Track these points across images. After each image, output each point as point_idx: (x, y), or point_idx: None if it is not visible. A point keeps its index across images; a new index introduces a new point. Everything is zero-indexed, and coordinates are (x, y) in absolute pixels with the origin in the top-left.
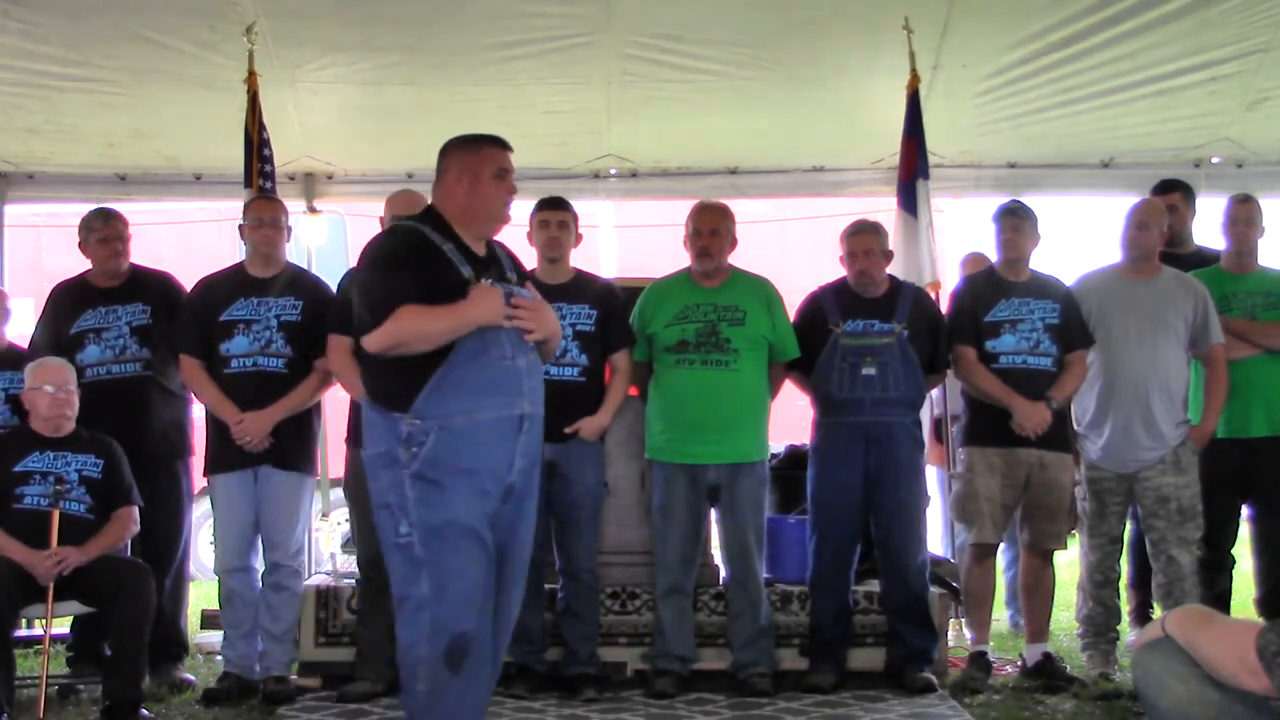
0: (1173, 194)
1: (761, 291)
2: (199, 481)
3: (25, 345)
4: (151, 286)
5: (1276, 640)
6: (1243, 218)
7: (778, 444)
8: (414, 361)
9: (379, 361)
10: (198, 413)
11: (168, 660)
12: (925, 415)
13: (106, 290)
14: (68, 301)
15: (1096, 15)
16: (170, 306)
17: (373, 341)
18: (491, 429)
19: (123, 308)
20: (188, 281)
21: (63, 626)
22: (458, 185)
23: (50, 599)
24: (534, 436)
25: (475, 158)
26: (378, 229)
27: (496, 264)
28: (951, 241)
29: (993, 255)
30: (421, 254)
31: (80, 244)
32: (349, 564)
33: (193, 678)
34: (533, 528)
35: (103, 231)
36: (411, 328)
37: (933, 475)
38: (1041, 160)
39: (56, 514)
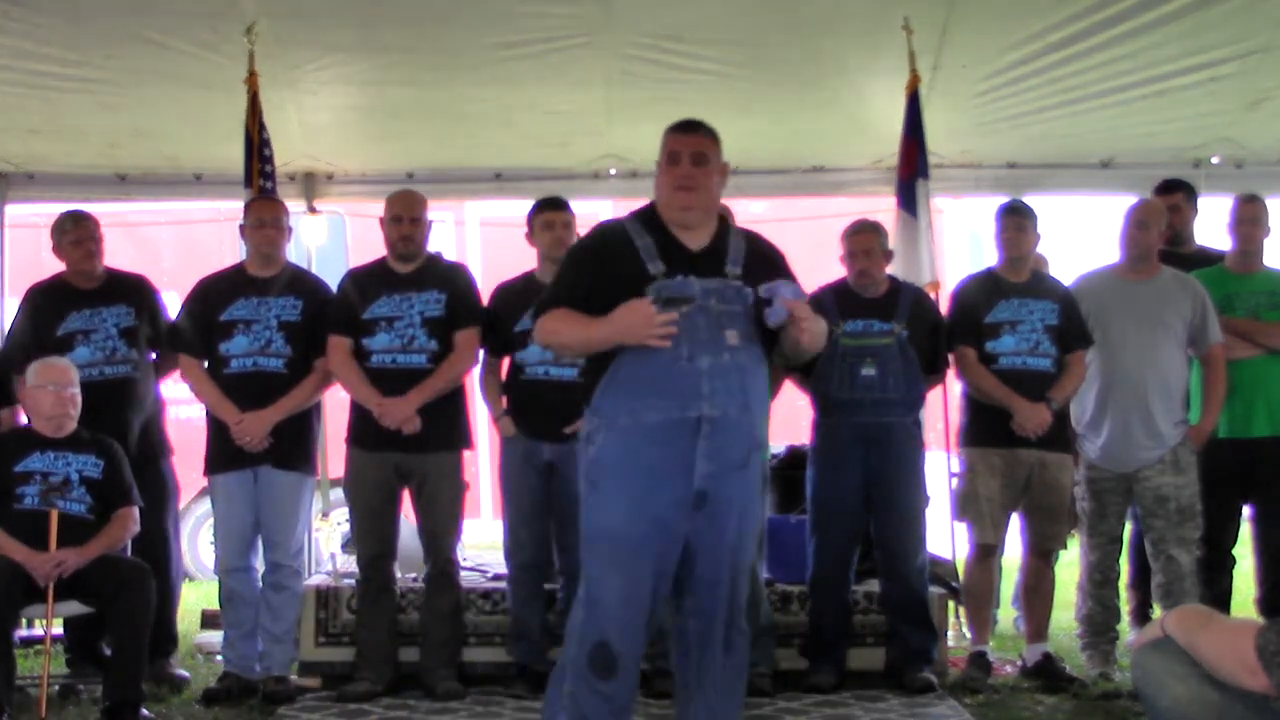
0: (1175, 194)
1: None
2: (184, 480)
3: None
4: (131, 288)
5: (1276, 639)
6: (1248, 217)
7: (778, 444)
8: (598, 355)
9: None
10: (175, 414)
11: (159, 655)
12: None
13: (88, 292)
14: (49, 303)
15: (1096, 15)
16: (151, 308)
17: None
18: (658, 432)
19: (107, 309)
20: (188, 281)
21: (61, 627)
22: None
23: (51, 599)
24: (722, 440)
25: (661, 148)
26: (377, 229)
27: (713, 258)
28: (951, 241)
29: (992, 255)
30: (607, 249)
31: (54, 247)
32: (349, 564)
33: (185, 673)
34: (746, 538)
35: (74, 234)
36: (551, 332)
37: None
38: (1041, 160)
39: (55, 514)
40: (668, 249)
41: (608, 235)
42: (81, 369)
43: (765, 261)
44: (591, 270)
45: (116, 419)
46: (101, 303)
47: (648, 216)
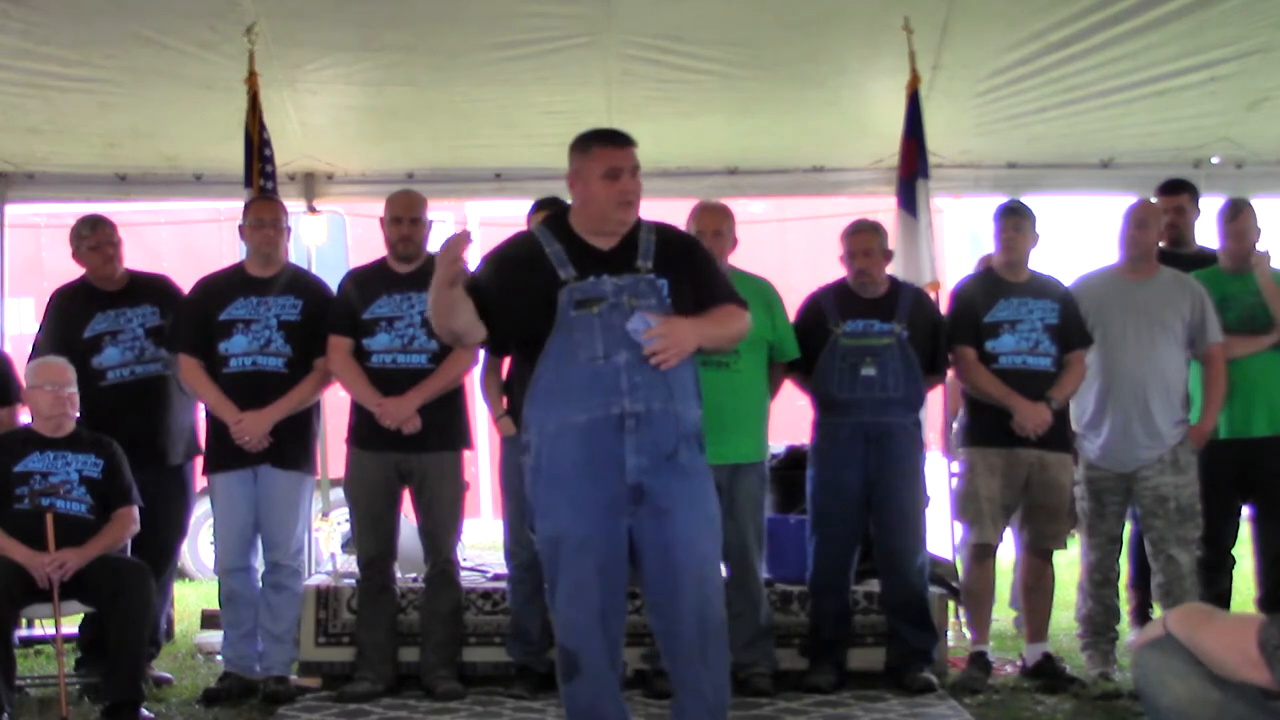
0: (1180, 195)
1: (761, 292)
2: (199, 482)
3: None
4: (155, 289)
5: (1278, 633)
6: (1238, 230)
7: (778, 444)
8: (529, 368)
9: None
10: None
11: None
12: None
13: (113, 294)
14: (75, 304)
15: (1096, 15)
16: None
17: None
18: (586, 432)
19: (132, 310)
20: (188, 282)
21: (71, 626)
22: (573, 188)
23: (57, 599)
24: (650, 433)
25: (585, 159)
26: (378, 229)
27: (624, 255)
28: (951, 241)
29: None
30: (520, 259)
31: (74, 254)
32: (349, 564)
33: (168, 675)
34: (695, 529)
35: (92, 239)
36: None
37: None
38: (1041, 160)
39: (50, 516)
40: (578, 253)
41: (520, 245)
42: (113, 369)
43: (676, 250)
44: (508, 278)
45: (152, 417)
46: (126, 304)
47: (556, 224)
